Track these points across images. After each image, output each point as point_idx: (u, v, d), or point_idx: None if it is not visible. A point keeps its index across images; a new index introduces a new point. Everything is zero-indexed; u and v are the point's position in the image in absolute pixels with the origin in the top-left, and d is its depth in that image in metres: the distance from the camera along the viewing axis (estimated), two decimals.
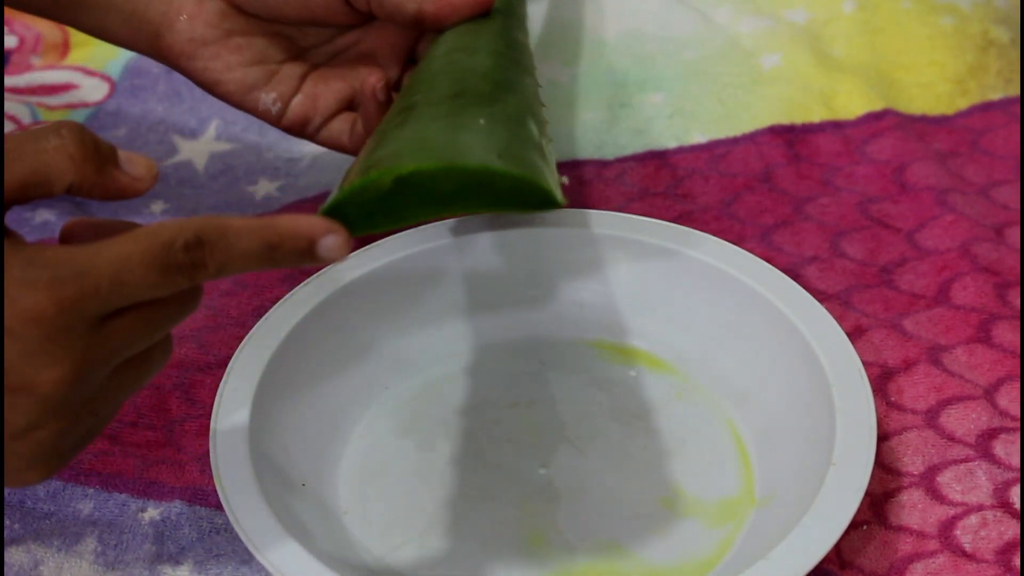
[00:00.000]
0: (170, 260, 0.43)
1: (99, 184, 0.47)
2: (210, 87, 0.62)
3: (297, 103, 0.63)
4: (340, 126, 0.64)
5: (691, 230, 0.61)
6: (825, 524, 0.49)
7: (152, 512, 0.56)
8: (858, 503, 0.50)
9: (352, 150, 0.64)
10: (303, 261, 0.46)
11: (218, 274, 0.45)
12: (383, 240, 0.61)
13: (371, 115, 0.62)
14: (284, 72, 0.62)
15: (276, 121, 0.63)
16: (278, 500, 0.52)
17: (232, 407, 0.54)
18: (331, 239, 0.45)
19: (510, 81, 0.57)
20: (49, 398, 0.43)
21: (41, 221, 0.72)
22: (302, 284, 0.60)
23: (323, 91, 0.63)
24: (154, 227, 0.44)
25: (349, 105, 0.64)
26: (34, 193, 0.45)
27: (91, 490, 0.57)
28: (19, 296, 0.42)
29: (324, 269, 0.61)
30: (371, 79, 0.61)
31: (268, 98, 0.62)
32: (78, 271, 0.43)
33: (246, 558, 0.54)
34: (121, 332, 0.44)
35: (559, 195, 0.52)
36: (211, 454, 0.53)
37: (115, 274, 0.43)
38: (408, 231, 0.61)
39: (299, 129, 0.64)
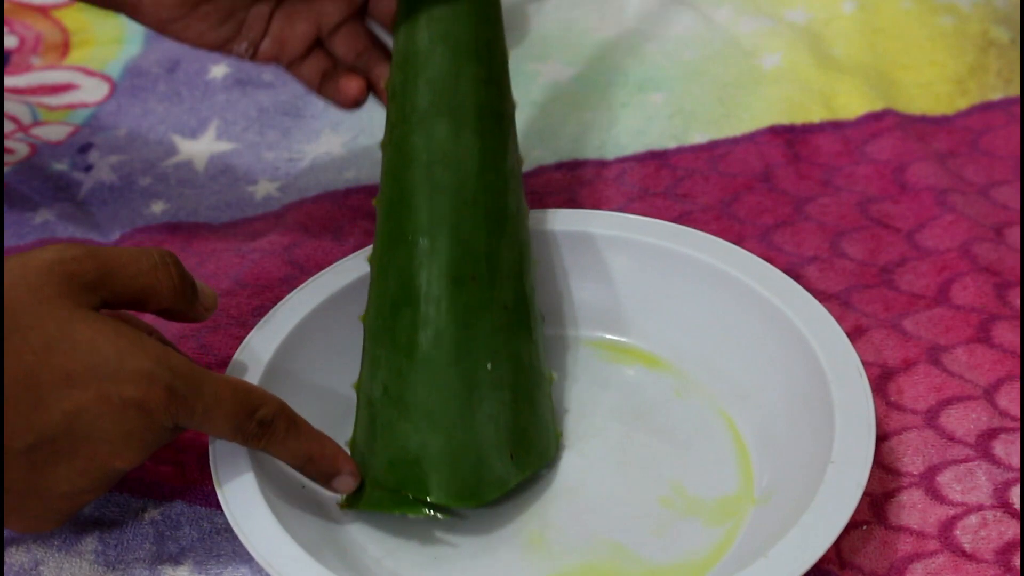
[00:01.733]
0: (245, 424, 0.51)
1: (183, 312, 0.54)
2: (186, 44, 0.62)
3: (265, 46, 0.63)
4: (309, 71, 0.64)
5: (691, 230, 0.61)
6: (824, 522, 0.49)
7: (153, 512, 0.56)
8: (857, 501, 0.50)
9: (320, 94, 0.64)
10: (325, 480, 0.54)
11: (265, 450, 0.52)
12: None
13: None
14: (252, 15, 0.62)
15: (250, 60, 0.64)
16: (278, 502, 0.52)
17: None
18: (347, 479, 0.54)
19: (505, 235, 0.57)
20: (111, 478, 0.50)
21: (41, 221, 0.72)
22: (301, 286, 0.60)
23: (289, 34, 0.63)
24: (248, 386, 0.52)
25: (316, 42, 0.64)
26: (138, 307, 0.52)
27: None
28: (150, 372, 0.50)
29: (324, 271, 0.61)
30: (351, 92, 0.63)
31: (240, 47, 0.62)
32: (190, 382, 0.50)
33: (247, 558, 0.54)
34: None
35: (557, 443, 0.57)
36: (211, 457, 0.53)
37: (208, 407, 0.50)
38: None
39: (269, 62, 0.64)
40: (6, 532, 0.55)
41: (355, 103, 0.63)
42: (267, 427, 0.52)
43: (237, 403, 0.51)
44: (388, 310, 0.55)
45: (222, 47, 0.62)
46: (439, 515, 0.53)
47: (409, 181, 0.56)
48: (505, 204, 0.57)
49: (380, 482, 0.53)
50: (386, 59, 0.63)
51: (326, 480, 0.54)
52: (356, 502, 0.54)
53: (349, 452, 0.55)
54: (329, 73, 0.64)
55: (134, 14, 0.61)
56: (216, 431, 0.51)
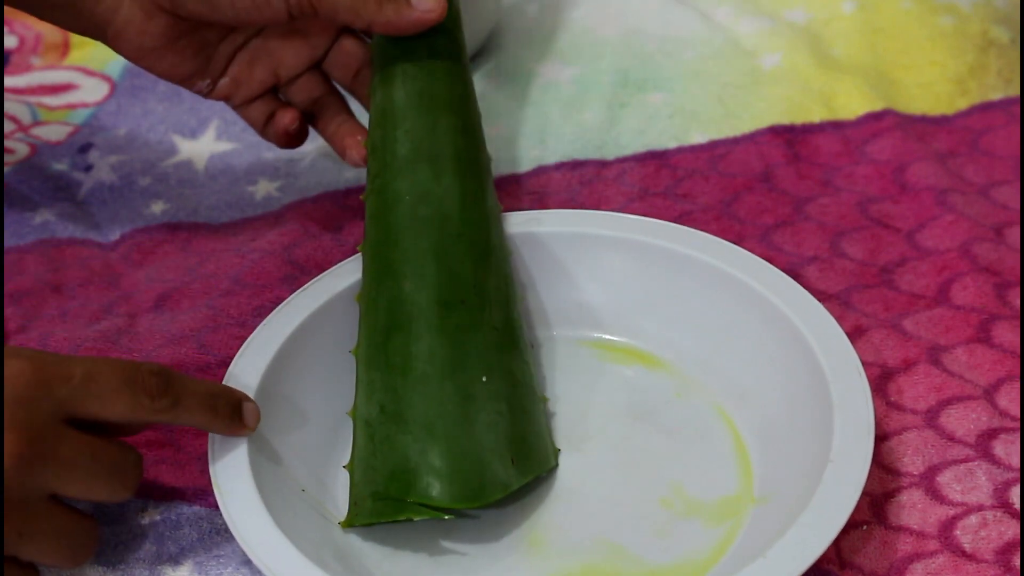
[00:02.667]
0: (136, 376, 0.49)
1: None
2: (154, 74, 0.64)
3: (222, 85, 0.65)
4: (256, 114, 0.66)
5: (691, 229, 0.61)
6: (823, 522, 0.49)
7: (152, 512, 0.56)
8: (856, 500, 0.50)
9: (263, 135, 0.67)
10: (233, 419, 0.53)
11: (173, 407, 0.50)
12: None
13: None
14: (219, 53, 0.64)
15: (203, 95, 0.65)
16: (277, 505, 0.52)
17: None
18: (250, 406, 0.54)
19: (491, 264, 0.58)
20: None
21: (41, 221, 0.72)
22: (301, 289, 0.60)
23: (247, 77, 0.65)
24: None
25: (269, 88, 0.66)
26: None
27: None
28: (4, 363, 0.47)
29: (324, 273, 0.61)
30: (283, 123, 0.65)
31: (202, 84, 0.64)
32: (58, 359, 0.48)
33: (246, 559, 0.54)
34: (72, 445, 0.48)
35: (555, 455, 0.57)
36: (210, 460, 0.53)
37: (88, 371, 0.48)
38: None
39: (220, 100, 0.66)
40: None
41: (288, 137, 0.66)
42: (161, 374, 0.50)
43: (119, 365, 0.49)
44: (380, 336, 0.56)
45: (185, 81, 0.64)
46: (444, 516, 0.53)
47: (394, 221, 0.58)
48: (488, 238, 0.58)
49: (382, 494, 0.53)
50: (340, 107, 0.66)
51: (234, 414, 0.53)
52: (357, 518, 0.54)
53: (349, 476, 0.55)
54: (273, 115, 0.66)
55: (115, 42, 0.62)
56: (112, 401, 0.49)
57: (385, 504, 0.53)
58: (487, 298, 0.57)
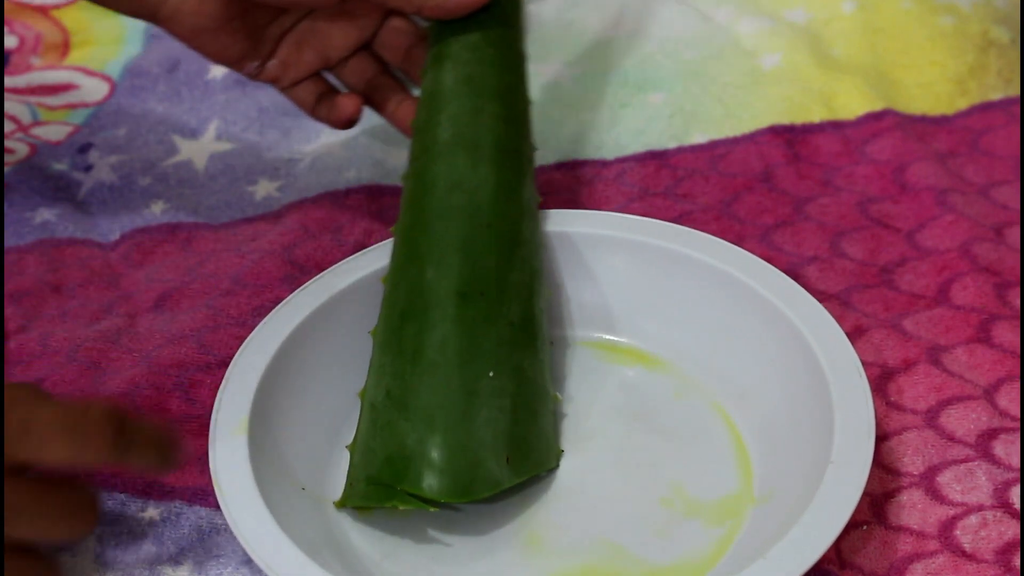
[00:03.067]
0: (82, 421, 0.46)
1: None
2: (205, 56, 0.64)
3: (270, 67, 0.65)
4: (305, 94, 0.66)
5: (691, 230, 0.61)
6: (824, 523, 0.49)
7: (152, 512, 0.56)
8: (857, 501, 0.50)
9: (313, 115, 0.67)
10: (175, 462, 0.50)
11: (124, 452, 0.47)
12: (381, 244, 0.61)
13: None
14: (268, 34, 0.64)
15: (252, 77, 0.65)
16: (277, 504, 0.52)
17: (232, 411, 0.54)
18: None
19: (518, 258, 0.58)
20: None
21: (41, 221, 0.72)
22: (302, 288, 0.60)
23: (295, 60, 0.65)
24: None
25: (318, 70, 0.66)
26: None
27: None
28: None
29: (323, 272, 0.61)
30: (347, 111, 0.65)
31: (251, 66, 0.65)
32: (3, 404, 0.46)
33: (246, 559, 0.54)
34: (13, 492, 0.46)
35: (556, 457, 0.57)
36: (210, 459, 0.53)
37: (24, 419, 0.46)
38: None
39: (268, 82, 0.66)
40: None
41: (349, 122, 0.66)
42: (115, 420, 0.47)
43: (62, 411, 0.47)
44: (396, 321, 0.56)
45: (235, 63, 0.64)
46: (431, 508, 0.53)
47: (427, 206, 0.58)
48: (519, 230, 0.58)
49: (376, 479, 0.53)
50: (396, 87, 0.66)
51: (175, 457, 0.50)
52: (350, 499, 0.54)
53: (350, 456, 0.55)
54: (324, 95, 0.66)
55: (167, 23, 0.62)
56: (50, 448, 0.47)
57: (377, 489, 0.53)
58: (508, 292, 0.56)
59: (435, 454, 0.53)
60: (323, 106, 0.66)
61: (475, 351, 0.55)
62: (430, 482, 0.53)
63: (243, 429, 0.54)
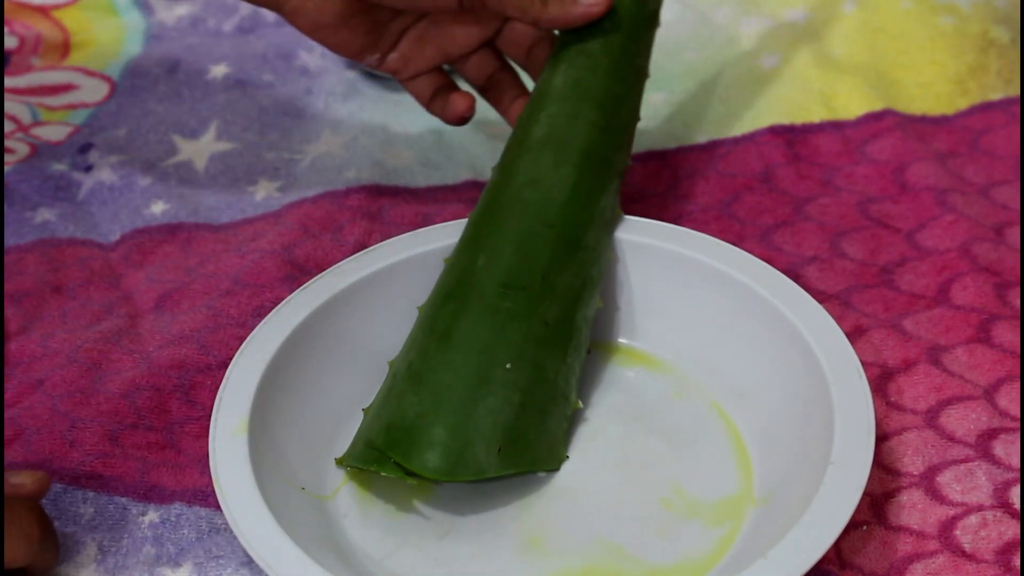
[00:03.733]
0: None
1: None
2: (328, 48, 0.65)
3: (392, 59, 0.66)
4: (423, 87, 0.68)
5: (691, 231, 0.61)
6: (824, 523, 0.49)
7: (152, 514, 0.56)
8: (857, 502, 0.50)
9: (428, 109, 0.68)
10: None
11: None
12: (381, 245, 0.61)
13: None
14: (389, 31, 0.65)
15: (373, 68, 0.67)
16: (277, 503, 0.52)
17: (231, 411, 0.55)
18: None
19: (571, 255, 0.59)
20: None
21: (41, 221, 0.72)
22: (301, 288, 0.60)
23: (416, 55, 0.66)
24: None
25: (438, 65, 0.67)
26: None
27: (91, 494, 0.57)
28: None
29: (324, 272, 0.61)
30: (459, 109, 0.66)
31: (372, 58, 0.66)
32: None
33: (245, 560, 0.54)
34: None
35: (557, 460, 0.57)
36: (210, 458, 0.53)
37: None
38: (406, 236, 0.62)
39: (388, 73, 0.67)
40: None
41: (461, 120, 0.67)
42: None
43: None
44: (440, 300, 0.57)
45: (356, 55, 0.65)
46: (410, 480, 0.54)
47: (499, 196, 0.60)
48: (582, 236, 0.59)
49: (373, 443, 0.55)
50: (513, 83, 0.67)
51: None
52: (347, 459, 0.56)
53: (364, 419, 0.57)
54: (440, 90, 0.67)
55: (291, 16, 0.63)
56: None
57: (371, 453, 0.54)
58: (552, 292, 0.57)
59: (429, 430, 0.54)
60: (438, 101, 0.67)
61: (500, 341, 0.56)
62: (417, 457, 0.54)
63: (243, 429, 0.54)
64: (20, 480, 0.52)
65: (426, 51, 0.66)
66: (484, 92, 0.68)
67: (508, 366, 0.55)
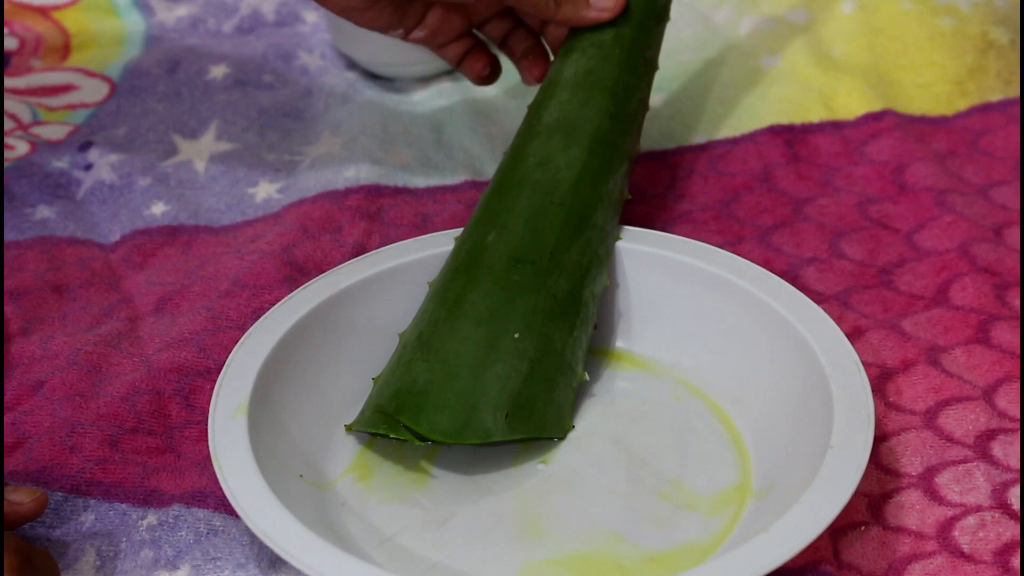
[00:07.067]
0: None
1: None
2: (357, 25, 0.67)
3: (417, 33, 0.68)
4: (453, 52, 0.70)
5: (688, 240, 0.61)
6: (826, 501, 0.50)
7: (151, 517, 0.56)
8: (858, 480, 0.50)
9: (459, 70, 0.71)
10: None
11: None
12: (387, 248, 0.62)
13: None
14: (414, 8, 0.67)
15: (401, 39, 0.69)
16: (276, 487, 0.52)
17: (232, 393, 0.55)
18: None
19: (579, 230, 0.60)
20: None
21: (40, 218, 0.72)
22: (301, 288, 0.60)
23: (441, 26, 0.68)
24: None
25: (465, 32, 0.70)
26: None
27: (92, 501, 0.57)
28: None
29: (326, 272, 0.61)
30: (475, 69, 0.70)
31: (398, 32, 0.68)
32: None
33: (245, 560, 0.54)
34: None
35: (563, 429, 0.58)
36: (210, 440, 0.53)
37: None
38: (411, 240, 0.62)
39: (418, 43, 0.70)
40: None
41: (481, 79, 0.70)
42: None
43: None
44: (451, 274, 0.59)
45: (385, 30, 0.67)
46: (418, 442, 0.55)
47: (510, 176, 0.61)
48: (590, 215, 0.60)
49: (382, 408, 0.56)
50: (528, 34, 0.70)
51: None
52: (356, 423, 0.57)
53: (373, 387, 0.58)
54: (468, 52, 0.70)
55: (323, 1, 0.65)
56: None
57: (379, 417, 0.56)
58: (560, 267, 0.59)
59: (438, 395, 0.55)
60: (465, 63, 0.70)
61: (508, 311, 0.57)
62: (426, 418, 0.55)
63: (243, 411, 0.54)
64: (19, 498, 0.53)
65: (451, 21, 0.68)
66: (501, 45, 0.70)
67: (516, 336, 0.57)
